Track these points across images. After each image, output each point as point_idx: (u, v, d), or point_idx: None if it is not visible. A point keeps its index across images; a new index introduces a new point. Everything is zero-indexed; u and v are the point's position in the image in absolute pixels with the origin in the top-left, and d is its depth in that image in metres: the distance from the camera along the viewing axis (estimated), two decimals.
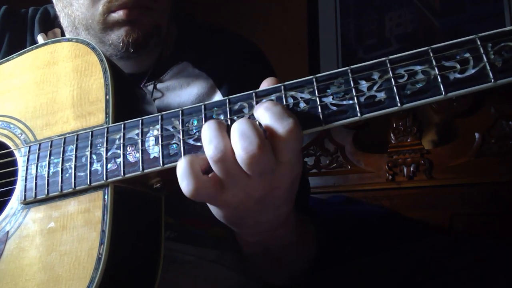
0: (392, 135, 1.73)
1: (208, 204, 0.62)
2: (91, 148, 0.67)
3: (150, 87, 0.92)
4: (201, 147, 0.60)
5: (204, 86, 0.92)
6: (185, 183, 0.56)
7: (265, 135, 0.55)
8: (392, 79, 0.55)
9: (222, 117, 0.60)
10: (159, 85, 0.92)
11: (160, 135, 0.63)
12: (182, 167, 0.56)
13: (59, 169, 0.68)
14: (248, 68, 0.97)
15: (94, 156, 0.66)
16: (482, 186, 1.55)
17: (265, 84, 0.61)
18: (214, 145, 0.55)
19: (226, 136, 0.56)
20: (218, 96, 0.92)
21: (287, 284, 0.91)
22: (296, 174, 0.60)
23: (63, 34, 0.97)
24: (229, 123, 0.60)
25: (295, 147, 0.55)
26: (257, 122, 0.56)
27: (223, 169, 0.56)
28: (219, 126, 0.56)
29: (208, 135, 0.56)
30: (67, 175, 0.67)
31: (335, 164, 1.85)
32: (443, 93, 0.53)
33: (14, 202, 0.71)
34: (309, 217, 0.90)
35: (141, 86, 0.92)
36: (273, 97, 0.59)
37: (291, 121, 0.54)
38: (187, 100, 0.91)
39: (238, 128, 0.55)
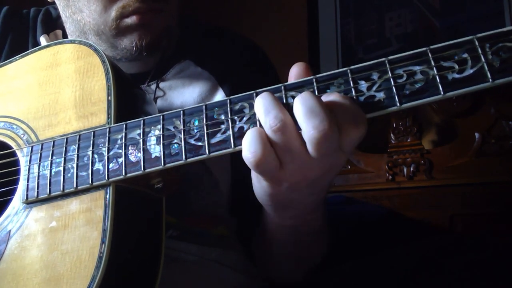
0: (392, 135, 1.73)
1: (258, 183, 0.62)
2: (93, 148, 0.67)
3: (153, 87, 0.92)
4: (202, 146, 0.61)
5: (206, 84, 0.93)
6: (252, 150, 0.54)
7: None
8: (391, 79, 0.55)
9: (223, 117, 0.61)
10: (161, 84, 0.93)
11: (161, 135, 0.63)
12: (252, 134, 0.55)
13: (61, 168, 0.68)
14: (249, 66, 0.97)
15: (96, 156, 0.66)
16: (482, 186, 1.55)
17: (294, 70, 0.59)
18: (274, 114, 0.54)
19: (283, 107, 0.55)
20: (220, 94, 0.93)
21: (295, 282, 0.90)
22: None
23: (64, 35, 0.97)
24: (230, 123, 0.60)
25: (359, 139, 0.55)
26: (321, 98, 0.54)
27: (283, 141, 0.54)
28: (274, 97, 0.55)
29: (265, 105, 0.55)
30: (69, 174, 0.67)
31: None
32: (442, 93, 0.53)
33: (16, 201, 0.71)
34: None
35: (144, 85, 0.92)
36: None
37: (364, 122, 0.54)
38: (190, 98, 0.91)
39: (304, 103, 0.53)
